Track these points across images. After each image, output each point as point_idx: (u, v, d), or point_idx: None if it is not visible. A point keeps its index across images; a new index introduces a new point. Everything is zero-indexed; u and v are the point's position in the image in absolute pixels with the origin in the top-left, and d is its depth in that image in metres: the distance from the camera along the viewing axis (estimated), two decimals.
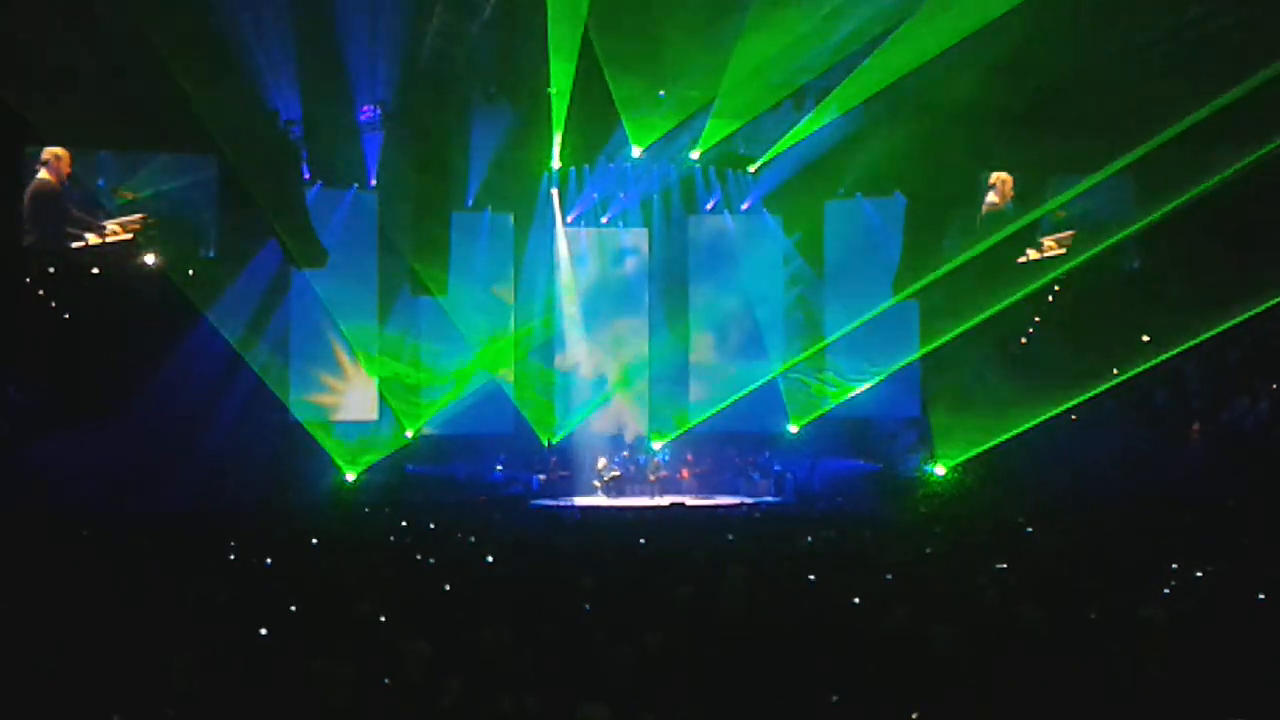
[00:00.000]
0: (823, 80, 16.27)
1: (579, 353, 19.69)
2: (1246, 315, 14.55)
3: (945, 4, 14.02)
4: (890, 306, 17.87)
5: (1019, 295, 16.46)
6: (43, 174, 14.82)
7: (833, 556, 9.51)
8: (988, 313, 16.32)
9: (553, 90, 16.25)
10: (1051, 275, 16.85)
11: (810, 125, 17.10)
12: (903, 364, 17.91)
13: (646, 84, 15.82)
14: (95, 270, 15.78)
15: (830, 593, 7.40)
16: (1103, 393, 16.13)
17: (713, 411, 19.11)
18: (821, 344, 18.97)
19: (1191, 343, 15.21)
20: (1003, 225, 17.00)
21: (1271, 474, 15.00)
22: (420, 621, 6.46)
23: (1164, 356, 15.63)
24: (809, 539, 10.79)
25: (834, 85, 16.19)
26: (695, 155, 18.35)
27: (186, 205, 16.17)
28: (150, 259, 16.37)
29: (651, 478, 19.03)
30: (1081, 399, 16.12)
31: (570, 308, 19.58)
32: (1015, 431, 16.20)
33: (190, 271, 16.56)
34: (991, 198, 17.09)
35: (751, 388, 18.86)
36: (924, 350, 17.60)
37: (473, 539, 10.57)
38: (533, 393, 19.46)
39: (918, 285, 17.32)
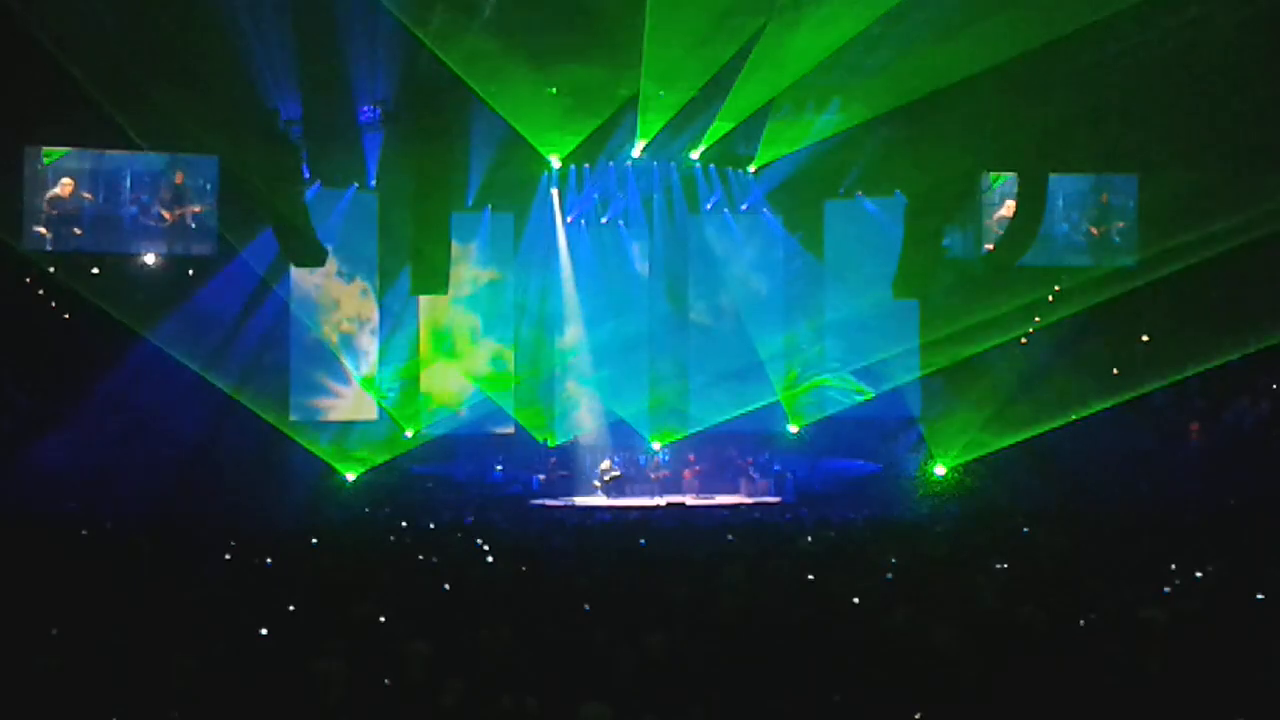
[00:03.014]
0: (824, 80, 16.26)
1: (578, 354, 19.67)
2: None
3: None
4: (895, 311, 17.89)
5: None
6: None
7: (833, 556, 9.50)
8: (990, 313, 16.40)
9: (553, 90, 16.25)
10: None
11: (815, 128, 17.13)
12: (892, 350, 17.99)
13: (651, 84, 15.80)
14: (95, 270, 15.80)
15: (830, 593, 7.39)
16: (1104, 393, 16.17)
17: (715, 413, 19.11)
18: (820, 350, 19.02)
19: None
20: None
21: (1271, 474, 15.00)
22: (420, 621, 6.45)
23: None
24: (809, 539, 10.79)
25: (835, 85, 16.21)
26: (695, 155, 18.36)
27: (187, 205, 16.20)
28: (150, 259, 16.40)
29: (653, 477, 19.04)
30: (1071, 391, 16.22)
31: (570, 308, 19.57)
32: (1017, 433, 16.23)
33: (190, 271, 16.59)
34: (1010, 206, 17.09)
35: (755, 398, 18.87)
36: (925, 355, 17.61)
37: (479, 541, 10.54)
38: (532, 395, 19.46)
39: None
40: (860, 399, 18.62)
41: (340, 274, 17.87)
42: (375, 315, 18.23)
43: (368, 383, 18.21)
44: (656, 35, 14.17)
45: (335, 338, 18.00)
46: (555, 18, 14.55)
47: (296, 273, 17.29)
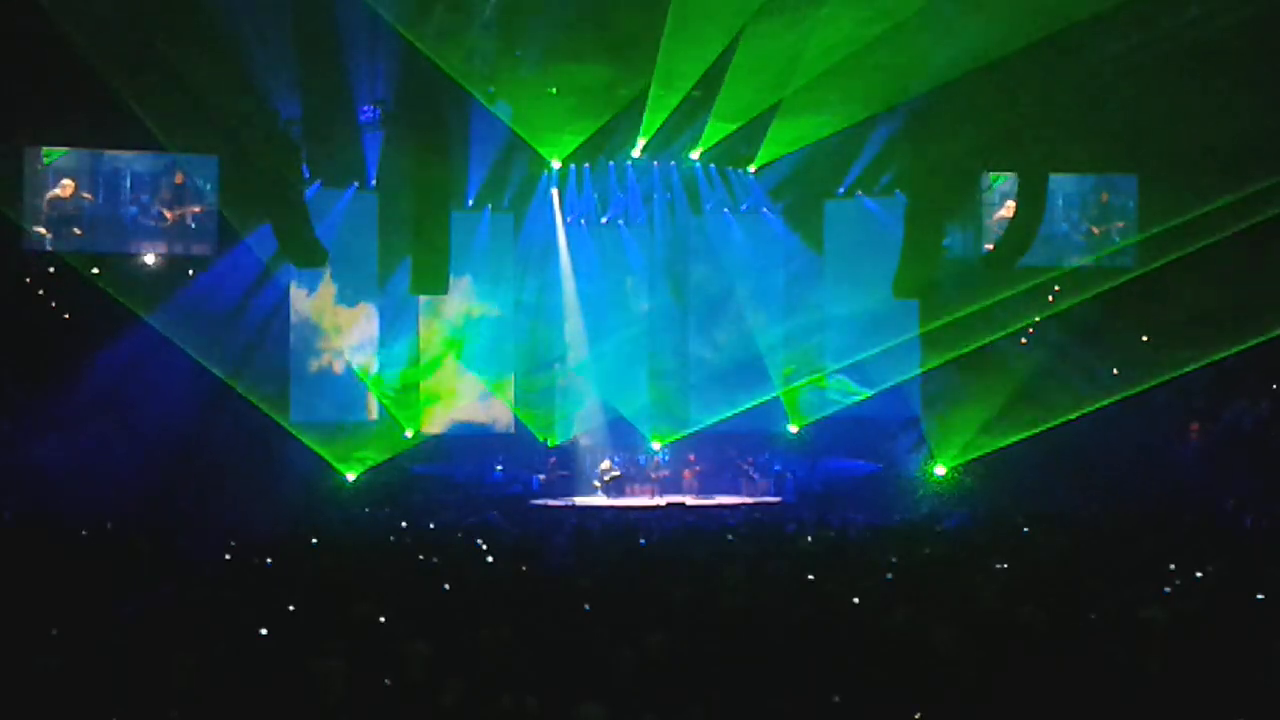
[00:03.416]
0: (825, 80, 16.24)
1: (579, 354, 19.67)
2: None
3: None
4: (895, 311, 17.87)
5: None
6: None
7: (833, 556, 9.50)
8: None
9: (553, 91, 16.24)
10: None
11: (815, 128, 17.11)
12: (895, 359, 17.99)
13: (662, 86, 15.77)
14: (95, 270, 15.81)
15: (830, 593, 7.39)
16: (1103, 393, 16.17)
17: (715, 413, 19.11)
18: (820, 349, 19.01)
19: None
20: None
21: (1272, 474, 15.00)
22: (420, 621, 6.45)
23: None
24: (809, 539, 10.79)
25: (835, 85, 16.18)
26: (695, 155, 18.35)
27: (187, 205, 16.22)
28: (150, 259, 16.40)
29: (653, 477, 19.03)
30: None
31: (570, 308, 19.57)
32: (1017, 433, 16.23)
33: (190, 271, 16.60)
34: (1010, 206, 17.08)
35: (755, 398, 18.85)
36: (925, 355, 17.60)
37: (479, 541, 10.55)
38: (532, 395, 19.46)
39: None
40: (859, 399, 18.62)
41: (340, 273, 17.87)
42: (375, 315, 18.22)
43: (368, 382, 18.21)
44: (674, 37, 14.13)
45: (335, 337, 18.00)
46: (562, 18, 14.53)
47: (297, 271, 17.29)
